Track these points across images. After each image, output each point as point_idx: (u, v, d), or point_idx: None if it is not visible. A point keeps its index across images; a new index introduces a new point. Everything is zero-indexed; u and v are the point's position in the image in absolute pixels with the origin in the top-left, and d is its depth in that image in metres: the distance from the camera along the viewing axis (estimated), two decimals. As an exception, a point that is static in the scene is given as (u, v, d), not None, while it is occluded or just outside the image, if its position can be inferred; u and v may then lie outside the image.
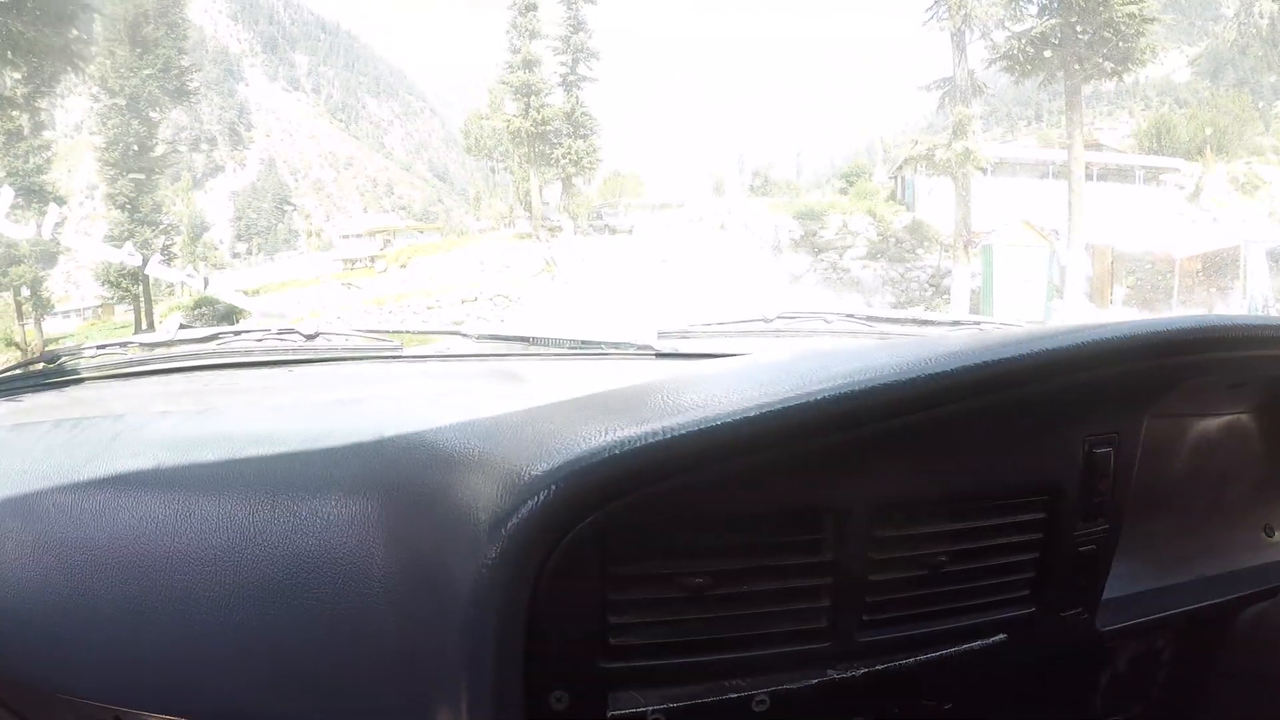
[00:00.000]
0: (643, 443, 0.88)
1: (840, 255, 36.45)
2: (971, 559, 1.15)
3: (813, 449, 0.97)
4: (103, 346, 2.06)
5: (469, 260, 42.10)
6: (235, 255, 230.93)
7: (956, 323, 2.36)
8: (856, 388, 0.96)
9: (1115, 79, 30.06)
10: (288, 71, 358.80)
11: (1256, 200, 39.54)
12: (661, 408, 0.98)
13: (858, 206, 39.74)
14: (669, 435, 0.88)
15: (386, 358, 1.91)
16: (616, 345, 1.85)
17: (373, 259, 58.54)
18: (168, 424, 1.41)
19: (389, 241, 72.54)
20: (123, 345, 2.08)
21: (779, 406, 0.93)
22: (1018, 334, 1.21)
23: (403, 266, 45.10)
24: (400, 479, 1.08)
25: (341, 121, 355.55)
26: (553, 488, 0.86)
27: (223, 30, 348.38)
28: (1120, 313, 30.01)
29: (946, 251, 32.86)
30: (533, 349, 1.92)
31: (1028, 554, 1.21)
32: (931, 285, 33.90)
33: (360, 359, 1.92)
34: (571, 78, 43.52)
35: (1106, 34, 26.21)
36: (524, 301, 29.87)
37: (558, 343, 1.91)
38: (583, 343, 1.89)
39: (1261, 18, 39.87)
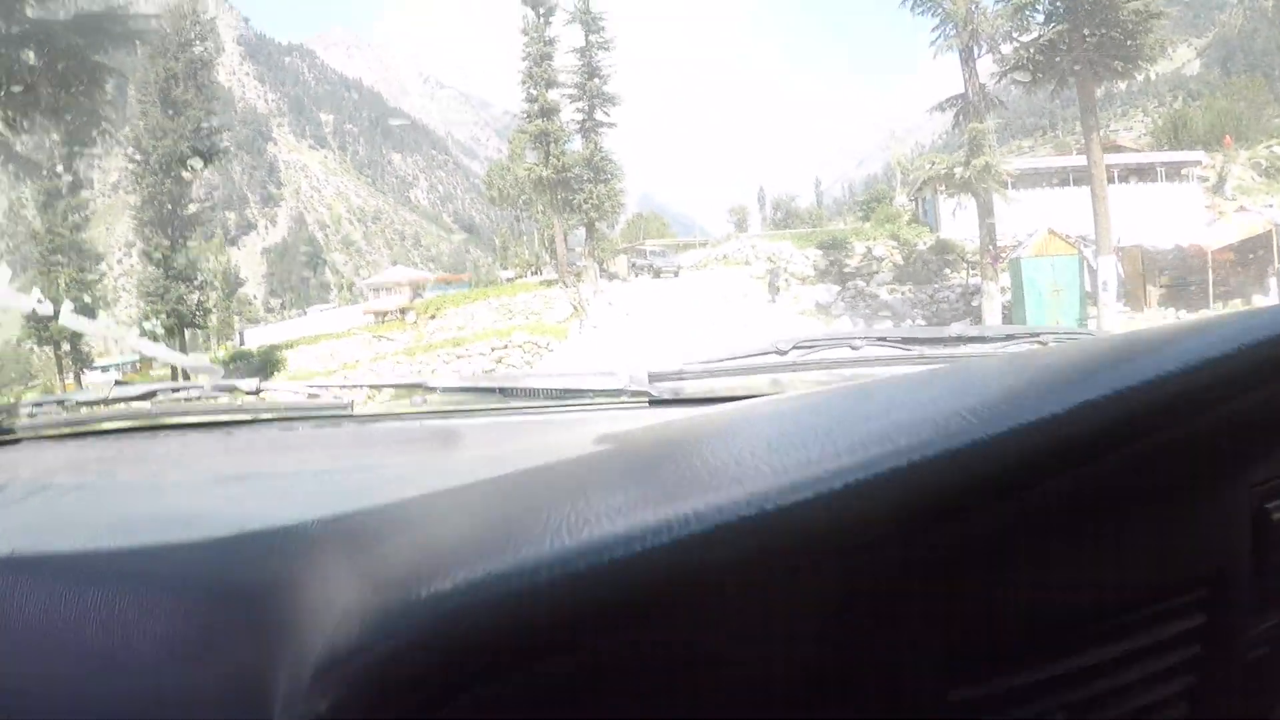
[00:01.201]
0: (584, 564, 0.57)
1: (867, 282, 36.36)
2: (1101, 708, 0.76)
3: (857, 564, 0.62)
4: (39, 405, 2.05)
5: (498, 309, 42.28)
6: (269, 310, 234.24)
7: (1010, 336, 1.95)
8: (950, 444, 0.64)
9: (1127, 79, 29.90)
10: (314, 130, 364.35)
11: (1281, 182, 39.20)
12: (637, 494, 0.66)
13: (880, 232, 39.69)
14: (641, 546, 0.56)
15: (331, 417, 1.80)
16: (605, 393, 1.67)
17: (402, 311, 58.83)
18: (39, 499, 1.34)
19: (419, 293, 73.05)
20: (60, 403, 2.06)
21: (834, 479, 0.60)
22: (1149, 338, 0.83)
23: (432, 317, 45.29)
24: (230, 580, 0.86)
25: (368, 177, 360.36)
26: (421, 627, 0.56)
27: (250, 92, 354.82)
28: (1158, 314, 29.82)
29: (974, 269, 32.71)
30: (506, 402, 1.73)
31: (1180, 680, 0.80)
32: (962, 304, 33.74)
33: (302, 419, 1.82)
34: (589, 124, 43.68)
35: (1114, 34, 26.09)
36: (554, 348, 29.88)
37: (535, 393, 1.73)
38: (565, 391, 1.72)
39: (1266, 0, 39.39)
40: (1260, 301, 28.96)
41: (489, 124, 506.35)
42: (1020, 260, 29.14)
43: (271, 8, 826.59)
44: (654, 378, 1.62)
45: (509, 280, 67.28)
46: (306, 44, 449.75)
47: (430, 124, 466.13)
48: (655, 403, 1.58)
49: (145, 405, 1.89)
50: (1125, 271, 30.64)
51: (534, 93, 43.34)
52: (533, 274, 62.34)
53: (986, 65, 29.75)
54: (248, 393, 1.86)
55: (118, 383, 1.98)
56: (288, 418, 1.81)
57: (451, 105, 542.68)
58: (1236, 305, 29.49)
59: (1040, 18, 27.83)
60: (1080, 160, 32.45)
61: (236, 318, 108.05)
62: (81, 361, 48.57)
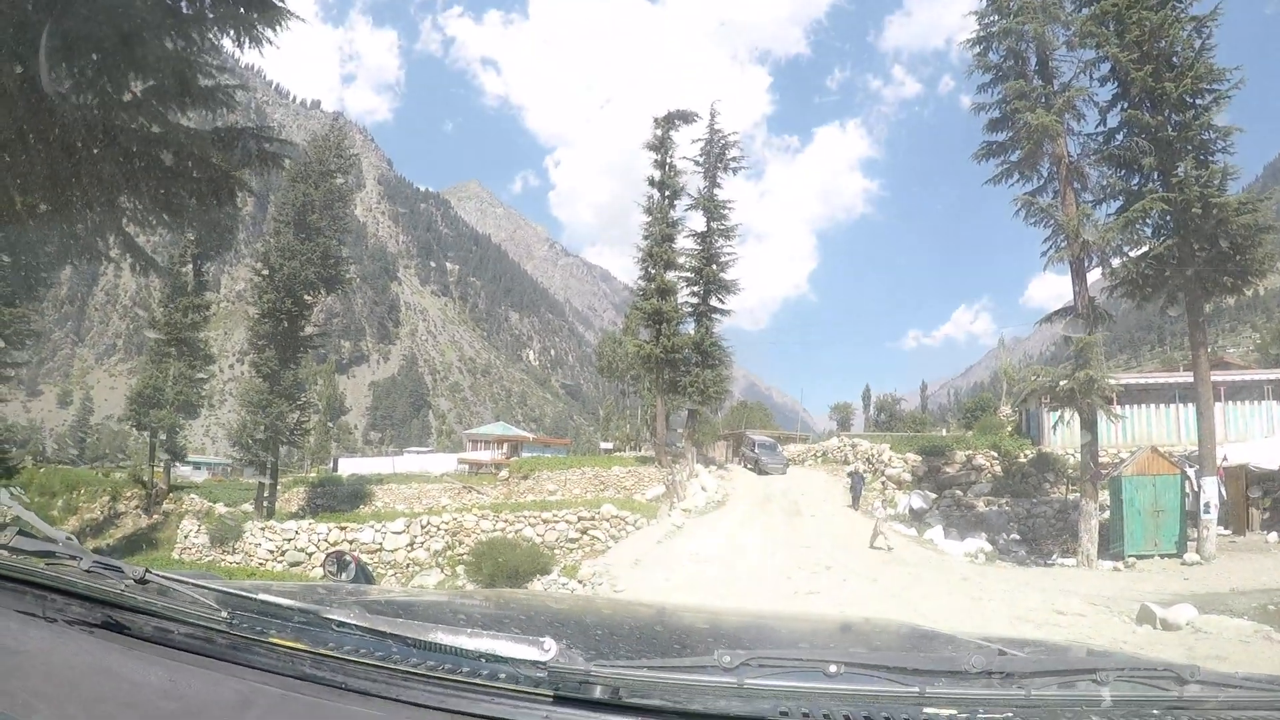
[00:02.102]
0: None
1: (964, 491, 35.87)
2: None
3: None
4: None
5: (591, 479, 42.37)
6: (367, 442, 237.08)
7: (1048, 673, 1.62)
8: None
9: (1235, 294, 29.49)
10: (439, 276, 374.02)
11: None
12: None
13: (982, 441, 39.25)
14: None
15: (202, 629, 1.60)
16: (511, 670, 1.44)
17: (497, 466, 59.29)
18: None
19: (516, 451, 73.68)
20: None
21: None
22: None
23: (525, 477, 45.52)
24: None
25: (484, 330, 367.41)
26: None
27: (384, 230, 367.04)
28: (1259, 538, 28.89)
29: (1074, 485, 32.10)
30: (401, 658, 1.50)
31: None
32: (1059, 520, 33.06)
33: (175, 620, 1.62)
34: (702, 308, 44.21)
35: (1224, 248, 25.94)
36: (640, 525, 29.80)
37: (437, 649, 1.50)
38: (468, 654, 1.48)
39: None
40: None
41: (607, 296, 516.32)
42: (1121, 478, 28.56)
43: (416, 153, 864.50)
44: (560, 676, 1.40)
45: (607, 451, 67.64)
46: (443, 194, 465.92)
47: (551, 288, 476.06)
48: (560, 699, 1.39)
49: (38, 566, 1.75)
50: (1228, 492, 29.80)
51: (652, 272, 44.18)
52: (631, 449, 62.67)
53: (1097, 279, 29.81)
54: (135, 580, 1.68)
55: (20, 533, 1.89)
56: (161, 614, 1.62)
57: (573, 273, 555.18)
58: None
59: (1149, 231, 27.84)
60: (1187, 377, 32.03)
61: (334, 444, 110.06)
62: (175, 454, 49.44)
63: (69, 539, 1.89)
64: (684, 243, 45.30)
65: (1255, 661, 11.17)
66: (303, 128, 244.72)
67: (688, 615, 3.22)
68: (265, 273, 44.40)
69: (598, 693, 1.38)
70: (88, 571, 1.70)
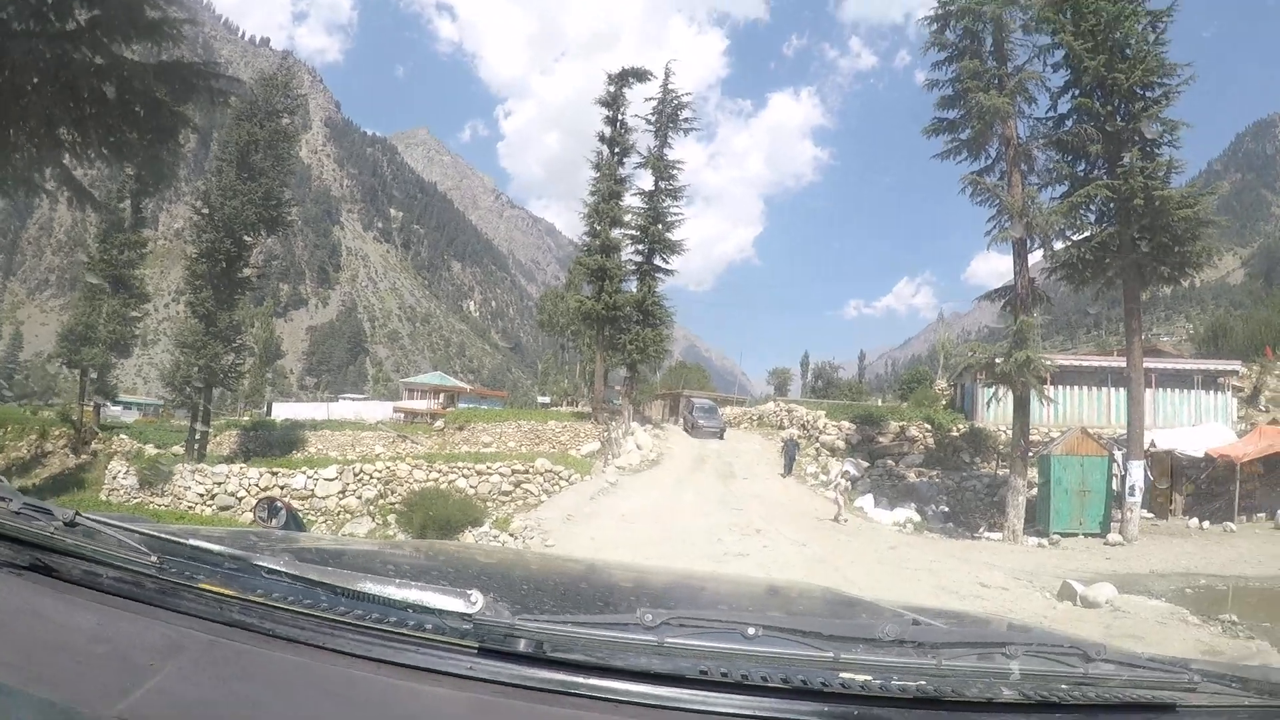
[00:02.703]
0: None
1: (896, 461, 36.27)
2: None
3: None
4: None
5: (527, 432, 42.32)
6: (302, 387, 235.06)
7: (961, 644, 1.68)
8: None
9: (1172, 284, 30.05)
10: (382, 223, 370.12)
11: (1315, 397, 39.08)
12: None
13: (916, 413, 39.69)
14: None
15: (132, 573, 1.59)
16: (436, 619, 1.45)
17: (433, 416, 59.09)
18: None
19: (453, 402, 73.44)
20: None
21: None
22: None
23: (460, 428, 45.35)
24: None
25: (425, 279, 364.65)
26: None
27: (328, 173, 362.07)
28: (1182, 523, 29.58)
29: (1004, 460, 32.58)
30: (329, 606, 1.51)
31: None
32: (987, 495, 33.58)
33: (107, 564, 1.61)
34: (646, 267, 44.06)
35: (1164, 239, 26.36)
36: (574, 481, 29.81)
37: (365, 598, 1.51)
38: (394, 604, 1.49)
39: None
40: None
41: (552, 251, 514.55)
42: (1050, 457, 29.04)
43: (365, 97, 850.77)
44: (485, 628, 1.42)
45: (544, 406, 67.64)
46: (390, 139, 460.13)
47: (495, 239, 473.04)
48: (484, 651, 1.41)
49: None
50: (1154, 477, 30.44)
51: (598, 228, 43.99)
52: (569, 403, 62.68)
53: (1039, 260, 30.16)
54: (65, 522, 1.67)
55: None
56: (89, 558, 1.61)
57: (518, 225, 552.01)
58: (1260, 519, 29.24)
59: (1092, 218, 28.19)
60: (1120, 362, 32.58)
61: (269, 388, 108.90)
62: (105, 393, 48.62)
63: None
64: (631, 200, 45.18)
65: (1169, 642, 11.41)
66: (250, 65, 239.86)
67: (615, 572, 3.32)
68: (205, 211, 43.47)
69: (521, 646, 1.40)
70: (16, 514, 1.69)
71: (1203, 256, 27.34)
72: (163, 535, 1.70)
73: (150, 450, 37.63)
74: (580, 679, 1.37)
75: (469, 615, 1.42)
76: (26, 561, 1.60)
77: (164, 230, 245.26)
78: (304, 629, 1.45)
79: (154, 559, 1.58)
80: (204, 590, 1.55)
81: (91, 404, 46.82)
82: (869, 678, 1.42)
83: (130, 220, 46.25)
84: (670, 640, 1.40)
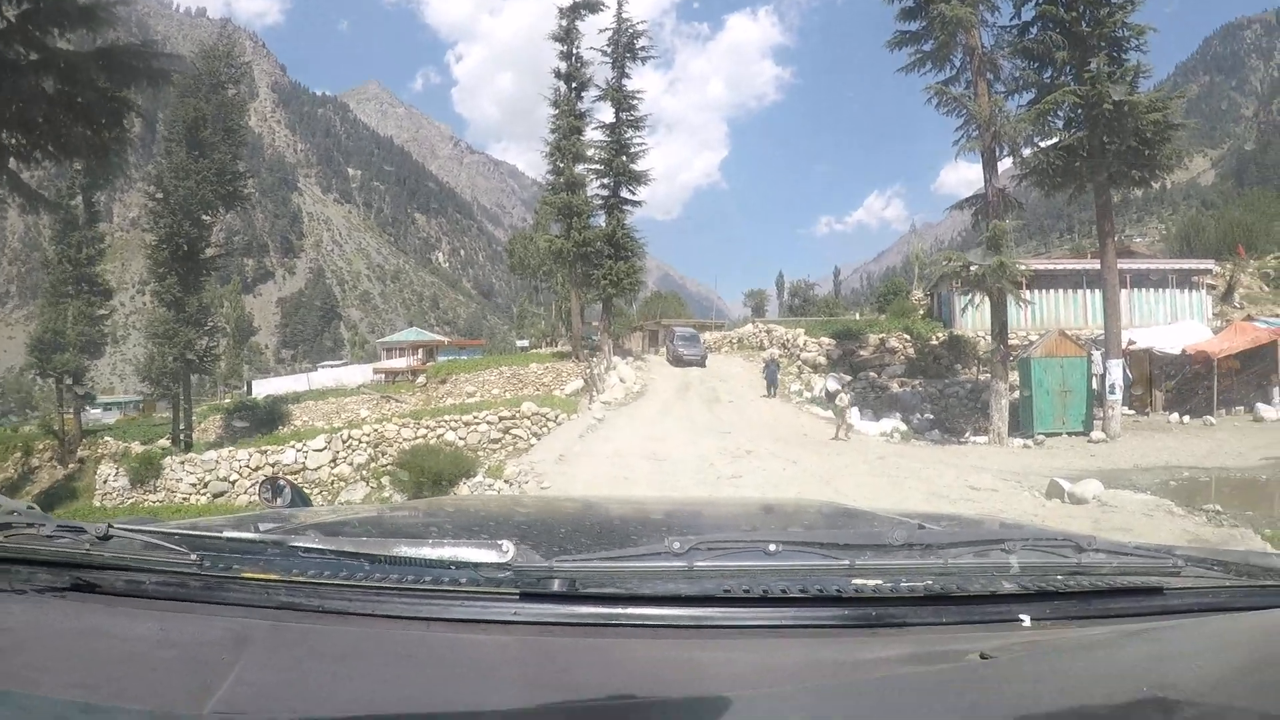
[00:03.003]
0: None
1: (879, 373, 36.47)
2: None
3: None
4: None
5: (510, 378, 42.22)
6: (280, 360, 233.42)
7: (967, 543, 1.75)
8: None
9: (1143, 187, 30.20)
10: (341, 184, 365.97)
11: (1289, 292, 39.49)
12: None
13: (895, 325, 39.84)
14: None
15: (174, 574, 1.61)
16: (467, 571, 1.51)
17: (413, 373, 58.80)
18: None
19: (432, 356, 73.11)
20: None
21: None
22: None
23: (442, 382, 45.12)
24: None
25: (390, 235, 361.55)
26: None
27: (280, 140, 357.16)
28: (1162, 418, 29.95)
29: (984, 366, 32.84)
30: (370, 574, 1.55)
31: None
32: (971, 400, 33.87)
33: (146, 570, 1.63)
34: (613, 200, 43.69)
35: (1133, 143, 26.44)
36: (561, 421, 29.84)
37: (402, 562, 1.56)
38: (434, 563, 1.54)
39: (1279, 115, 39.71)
40: (1261, 408, 29.17)
41: (516, 193, 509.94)
42: (1030, 360, 29.32)
43: (311, 57, 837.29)
44: (523, 573, 1.48)
45: (523, 349, 67.36)
46: (341, 97, 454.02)
47: (458, 188, 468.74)
48: (525, 595, 1.47)
49: None
50: (1133, 375, 30.76)
51: (561, 165, 43.33)
52: (548, 344, 62.47)
53: (1008, 167, 30.19)
54: (99, 537, 1.67)
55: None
56: (131, 567, 1.63)
57: (480, 171, 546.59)
58: (1239, 412, 29.64)
59: (1060, 124, 28.22)
60: (1094, 264, 32.73)
61: (246, 366, 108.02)
62: (83, 397, 48.31)
63: (30, 508, 1.88)
64: (592, 135, 44.59)
65: (1156, 533, 11.57)
66: (189, 38, 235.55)
67: (629, 507, 3.42)
68: (159, 196, 42.84)
69: (557, 586, 1.46)
70: (50, 537, 1.71)
71: (1172, 159, 27.57)
72: (195, 533, 1.73)
73: (136, 447, 37.42)
74: (618, 609, 1.45)
75: (505, 564, 1.48)
76: (68, 582, 1.61)
77: (119, 221, 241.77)
78: (351, 600, 1.51)
79: (193, 557, 1.60)
80: (248, 579, 1.58)
81: (71, 411, 46.54)
82: (880, 581, 1.52)
83: (84, 216, 45.42)
84: (698, 564, 1.48)
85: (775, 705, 1.15)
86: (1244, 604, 1.69)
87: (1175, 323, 35.49)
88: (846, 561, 1.52)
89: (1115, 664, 1.30)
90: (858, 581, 1.52)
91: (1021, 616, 1.55)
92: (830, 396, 34.17)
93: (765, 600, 1.48)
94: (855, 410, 31.35)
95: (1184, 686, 1.15)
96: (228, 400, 62.40)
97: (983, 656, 1.31)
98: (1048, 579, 1.63)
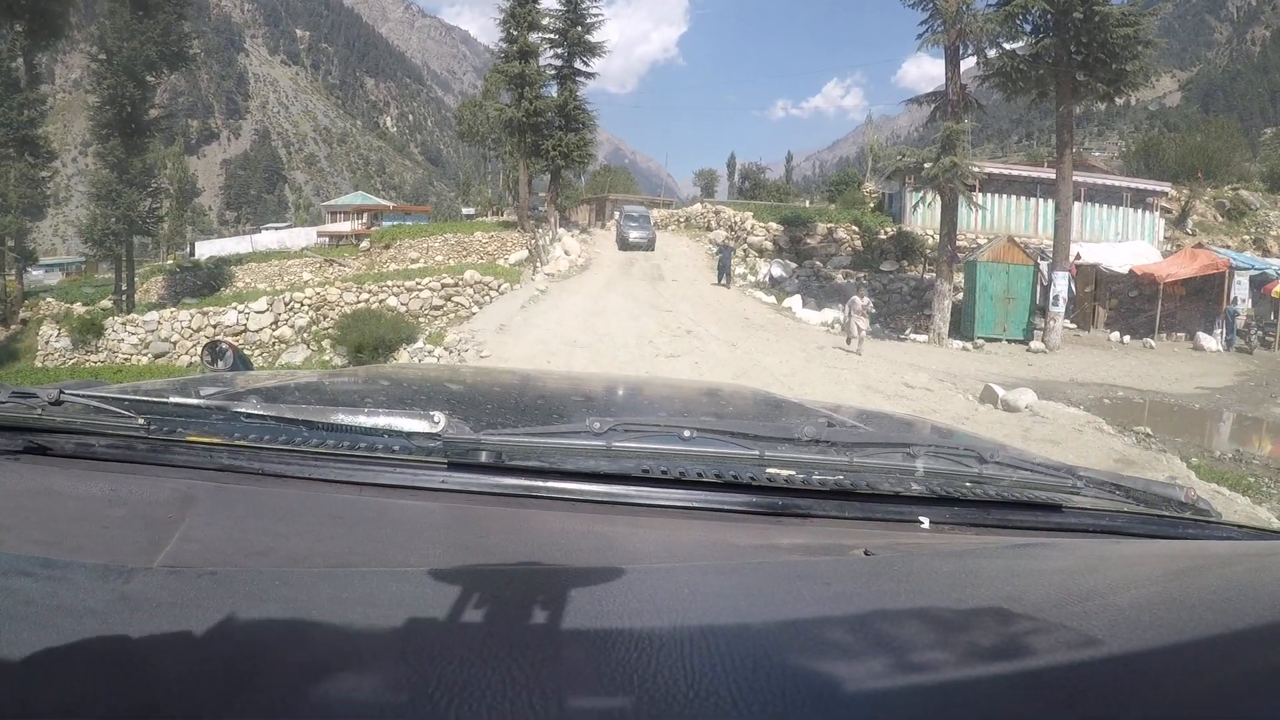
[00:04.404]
0: None
1: (824, 263, 36.50)
2: None
3: None
4: None
5: (454, 245, 41.99)
6: (223, 222, 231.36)
7: (873, 444, 1.78)
8: None
9: (1107, 101, 30.07)
10: (288, 45, 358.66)
11: (1241, 226, 39.79)
12: None
13: (844, 216, 39.83)
14: None
15: (125, 438, 1.63)
16: (400, 439, 1.58)
17: (358, 237, 58.41)
18: None
19: (377, 221, 72.49)
20: None
21: None
22: None
23: (386, 247, 44.90)
24: None
25: (338, 99, 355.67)
26: None
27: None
28: (1103, 335, 30.29)
29: (931, 264, 32.93)
30: (308, 440, 1.61)
31: None
32: (914, 298, 34.04)
33: (97, 434, 1.65)
34: (566, 71, 43.06)
35: (1101, 55, 26.28)
36: (504, 290, 29.72)
37: (339, 429, 1.62)
38: (368, 430, 1.60)
39: (1254, 45, 39.95)
40: (1202, 337, 29.57)
41: (468, 59, 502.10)
42: (976, 264, 29.42)
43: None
44: (452, 444, 1.53)
45: (469, 218, 66.89)
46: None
47: (408, 52, 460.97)
48: (453, 465, 1.52)
49: None
50: (1078, 289, 31.02)
51: (514, 33, 42.57)
52: (493, 214, 61.98)
53: (971, 67, 29.90)
54: (50, 402, 1.69)
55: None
56: (81, 431, 1.65)
57: (431, 35, 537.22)
58: (1180, 338, 30.08)
59: (1028, 28, 27.93)
60: (1049, 174, 32.76)
61: (189, 228, 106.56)
62: (25, 258, 47.62)
63: None
64: (548, 3, 43.88)
65: (1085, 449, 11.70)
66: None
67: (561, 382, 3.63)
68: (102, 57, 41.85)
69: (484, 457, 1.52)
70: (3, 402, 1.72)
71: (1139, 76, 27.42)
72: (143, 398, 1.74)
73: (78, 308, 36.94)
74: (540, 482, 1.51)
75: (436, 434, 1.52)
76: (20, 445, 1.62)
77: (62, 82, 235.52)
78: (290, 464, 1.55)
79: (140, 421, 1.64)
80: (193, 442, 1.62)
81: (14, 272, 45.80)
82: (792, 472, 1.56)
83: (26, 78, 44.43)
84: (617, 444, 1.52)
85: (668, 577, 1.19)
86: (1139, 531, 1.74)
87: (1125, 242, 35.73)
88: (758, 452, 1.57)
89: (981, 572, 1.34)
90: (770, 471, 1.56)
91: (921, 519, 1.59)
92: (775, 282, 34.22)
93: (678, 482, 1.54)
94: (799, 297, 31.41)
95: (1036, 601, 1.16)
96: (170, 262, 61.66)
97: (866, 553, 1.36)
98: (950, 485, 1.65)
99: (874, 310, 25.96)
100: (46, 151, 47.30)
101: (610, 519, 1.46)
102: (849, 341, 23.50)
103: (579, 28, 43.30)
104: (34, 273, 58.42)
